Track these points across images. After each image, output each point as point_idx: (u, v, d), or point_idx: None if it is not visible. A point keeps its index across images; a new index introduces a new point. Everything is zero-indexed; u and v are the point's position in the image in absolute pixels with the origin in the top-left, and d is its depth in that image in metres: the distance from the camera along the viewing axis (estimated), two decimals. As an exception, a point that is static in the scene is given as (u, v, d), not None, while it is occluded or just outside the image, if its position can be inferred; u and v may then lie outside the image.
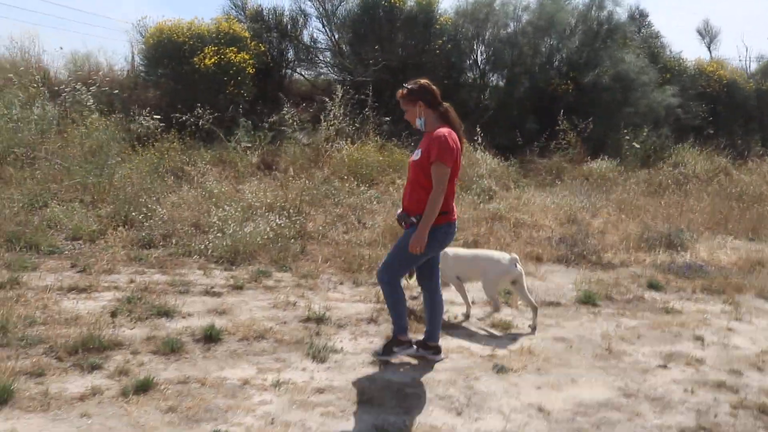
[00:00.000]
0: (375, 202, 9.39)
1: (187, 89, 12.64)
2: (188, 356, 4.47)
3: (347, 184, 9.75)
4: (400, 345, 4.57)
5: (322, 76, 15.89)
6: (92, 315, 4.99)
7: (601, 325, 5.60)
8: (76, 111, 11.61)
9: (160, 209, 7.87)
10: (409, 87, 4.42)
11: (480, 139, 12.17)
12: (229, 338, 4.79)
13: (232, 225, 7.45)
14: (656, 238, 8.36)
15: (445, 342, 4.91)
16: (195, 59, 12.68)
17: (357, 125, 12.26)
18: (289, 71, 15.95)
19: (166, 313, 5.16)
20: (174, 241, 7.19)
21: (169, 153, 10.59)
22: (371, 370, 4.47)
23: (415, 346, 4.64)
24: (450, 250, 5.35)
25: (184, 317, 5.17)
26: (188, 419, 3.67)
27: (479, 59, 16.82)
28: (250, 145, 11.41)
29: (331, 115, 12.21)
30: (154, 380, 4.01)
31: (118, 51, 31.65)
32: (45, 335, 4.53)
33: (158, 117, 10.79)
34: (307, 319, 5.28)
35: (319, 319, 5.27)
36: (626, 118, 15.03)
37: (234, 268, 6.58)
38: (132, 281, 5.93)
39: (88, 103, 11.18)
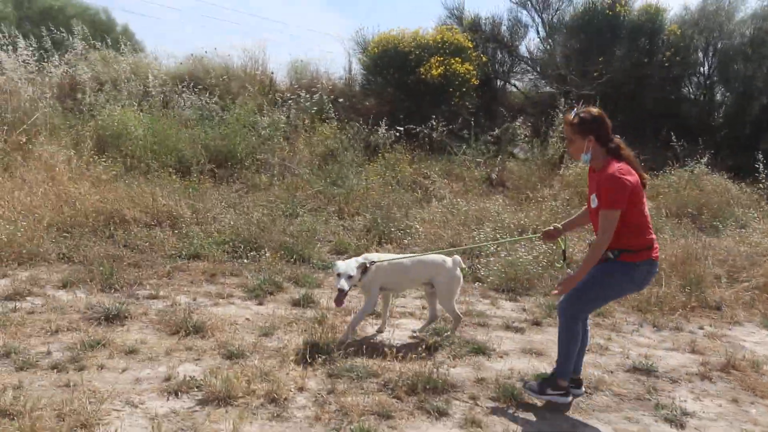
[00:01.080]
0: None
1: (411, 99, 12.68)
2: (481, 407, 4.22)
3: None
4: (557, 389, 4.14)
5: (538, 89, 15.37)
6: (407, 347, 4.89)
7: None
8: (298, 118, 12.04)
9: (417, 226, 7.82)
10: (582, 116, 3.97)
11: (708, 160, 11.14)
12: (563, 386, 4.49)
13: (498, 248, 7.25)
14: None
15: None
16: (421, 69, 12.68)
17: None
18: (503, 82, 15.62)
19: (482, 351, 4.96)
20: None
21: (400, 164, 10.63)
22: (741, 444, 3.98)
23: (570, 397, 4.18)
24: (372, 255, 5.06)
25: (500, 357, 4.95)
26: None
27: (706, 72, 15.53)
28: (481, 159, 11.19)
29: (556, 132, 11.74)
30: (519, 434, 3.79)
31: (336, 60, 32.88)
32: (369, 366, 4.47)
33: (400, 128, 10.83)
34: (634, 370, 4.87)
35: (648, 371, 4.83)
36: None
37: (518, 298, 6.32)
38: (424, 307, 5.83)
39: (327, 109, 11.54)
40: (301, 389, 4.12)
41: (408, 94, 12.83)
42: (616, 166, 3.86)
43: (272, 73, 13.80)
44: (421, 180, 10.31)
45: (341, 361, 4.53)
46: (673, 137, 11.65)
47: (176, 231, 7.16)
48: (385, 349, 4.70)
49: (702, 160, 10.96)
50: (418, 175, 10.47)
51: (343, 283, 4.65)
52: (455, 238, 7.66)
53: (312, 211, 8.67)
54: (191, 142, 9.78)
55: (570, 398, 4.23)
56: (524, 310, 5.98)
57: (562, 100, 12.50)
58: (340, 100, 12.76)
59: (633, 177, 3.85)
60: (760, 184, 11.76)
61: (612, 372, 4.83)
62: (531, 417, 4.08)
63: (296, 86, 13.17)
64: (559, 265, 4.59)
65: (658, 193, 11.08)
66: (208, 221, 7.50)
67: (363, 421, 3.79)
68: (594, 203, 3.96)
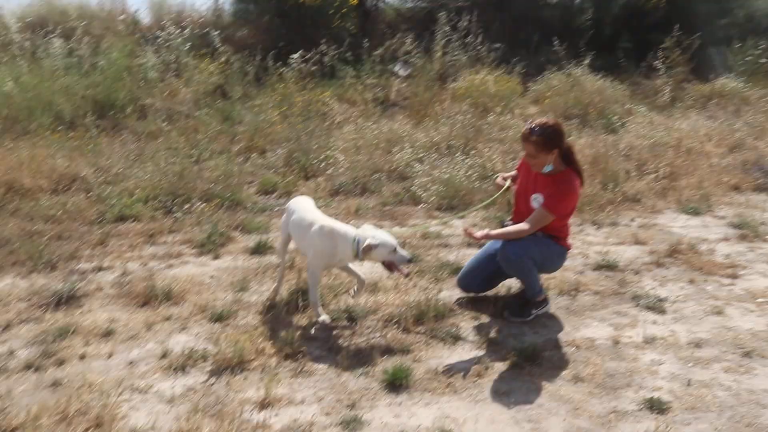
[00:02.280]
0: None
1: (290, 26, 12.10)
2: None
3: (494, 117, 9.45)
4: (538, 305, 4.38)
5: (416, 5, 15.18)
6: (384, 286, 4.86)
7: None
8: (173, 56, 11.18)
9: (338, 155, 7.64)
10: (544, 133, 4.00)
11: (588, 61, 11.75)
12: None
13: (424, 168, 7.31)
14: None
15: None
16: (300, -7, 12.07)
17: (469, 54, 11.82)
18: (375, 1, 15.27)
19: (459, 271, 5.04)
20: (372, 188, 7.02)
21: (294, 94, 10.22)
22: (714, 318, 4.39)
23: (549, 301, 4.50)
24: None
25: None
26: (602, 387, 3.60)
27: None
28: (373, 81, 11.01)
29: (438, 46, 11.78)
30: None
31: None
32: (365, 305, 4.47)
33: (294, 55, 10.31)
34: (600, 267, 5.18)
35: (611, 266, 5.17)
36: (722, 30, 14.50)
37: (464, 216, 6.42)
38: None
39: (213, 43, 10.77)
40: (308, 339, 3.99)
41: (287, 20, 12.22)
42: (577, 181, 4.17)
43: (136, 11, 12.56)
44: (320, 107, 10.01)
45: (334, 303, 4.43)
46: (556, 42, 12.04)
47: (89, 195, 6.48)
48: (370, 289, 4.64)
49: (585, 62, 11.46)
50: (314, 103, 10.13)
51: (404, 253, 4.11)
52: (379, 163, 7.58)
53: (219, 153, 8.17)
54: (66, 94, 8.75)
55: (549, 302, 4.49)
56: (474, 225, 6.10)
57: (442, 13, 12.42)
58: (216, 32, 11.90)
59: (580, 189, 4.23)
60: (627, 81, 12.65)
61: (582, 272, 5.11)
62: (536, 327, 4.25)
63: (162, 22, 12.10)
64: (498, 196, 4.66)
65: (543, 97, 11.57)
66: (118, 179, 6.85)
67: (387, 359, 3.76)
68: (536, 202, 4.19)
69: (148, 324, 4.19)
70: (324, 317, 4.19)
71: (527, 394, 3.51)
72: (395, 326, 4.17)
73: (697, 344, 4.04)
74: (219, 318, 4.25)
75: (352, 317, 4.27)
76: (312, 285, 4.25)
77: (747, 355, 3.93)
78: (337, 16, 12.23)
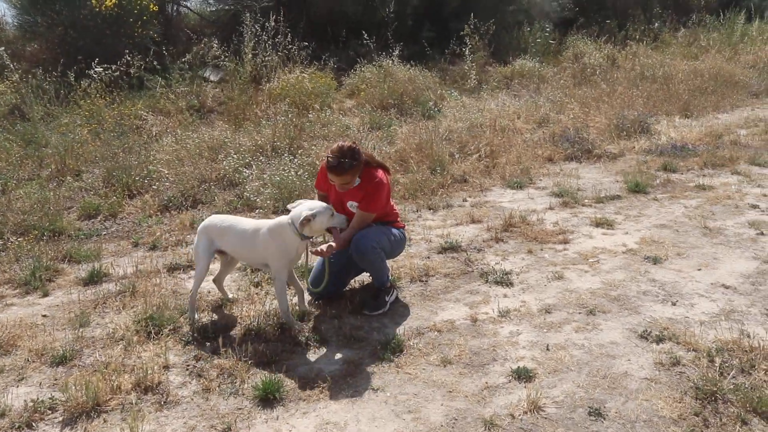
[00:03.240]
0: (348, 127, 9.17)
1: (88, 37, 11.05)
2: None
3: (314, 114, 9.37)
4: (390, 292, 4.39)
5: (219, 9, 14.57)
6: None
7: (672, 209, 6.17)
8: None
9: (162, 169, 7.11)
10: (355, 157, 4.01)
11: (398, 52, 12.09)
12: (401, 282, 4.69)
13: (253, 172, 7.04)
14: (628, 125, 9.10)
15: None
16: (92, 0, 11.03)
17: (280, 54, 11.62)
18: (176, 6, 14.44)
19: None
20: (203, 199, 6.62)
21: (100, 109, 9.37)
22: (556, 284, 4.63)
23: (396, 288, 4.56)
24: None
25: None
26: (470, 366, 3.64)
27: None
28: (185, 89, 10.41)
29: (248, 48, 11.46)
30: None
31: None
32: (225, 320, 4.14)
33: (100, 69, 9.41)
34: (444, 250, 5.27)
35: (454, 248, 5.28)
36: (511, 16, 15.64)
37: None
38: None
39: (2, 61, 9.49)
40: (166, 367, 3.60)
41: (83, 31, 11.13)
42: (380, 172, 4.21)
43: None
44: (134, 121, 9.26)
45: (187, 326, 4.07)
46: (366, 36, 12.20)
47: None
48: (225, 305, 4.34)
49: (395, 53, 11.72)
50: (126, 117, 9.36)
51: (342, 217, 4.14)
52: (206, 172, 7.16)
53: (28, 180, 7.25)
54: None
55: (396, 287, 4.54)
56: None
57: (248, 15, 12.06)
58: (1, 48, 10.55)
59: (388, 177, 4.29)
60: (435, 68, 13.18)
61: (428, 258, 5.16)
62: (395, 317, 4.19)
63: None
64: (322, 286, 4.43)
65: (358, 90, 11.70)
66: None
67: (255, 374, 3.51)
68: (354, 207, 4.22)
69: (-34, 384, 3.54)
70: (298, 324, 4.05)
71: (401, 385, 3.44)
72: (256, 339, 3.90)
73: (547, 310, 4.24)
74: (61, 361, 3.70)
75: (209, 336, 3.93)
76: (280, 292, 4.00)
77: (591, 312, 4.18)
78: (138, 23, 11.39)
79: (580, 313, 4.20)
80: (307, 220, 3.82)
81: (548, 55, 14.53)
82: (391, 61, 11.70)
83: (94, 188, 6.88)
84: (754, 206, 6.19)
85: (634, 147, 8.53)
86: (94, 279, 4.85)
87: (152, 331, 3.96)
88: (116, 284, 4.73)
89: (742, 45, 15.60)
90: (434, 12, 15.61)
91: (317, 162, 7.37)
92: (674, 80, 11.80)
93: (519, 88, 11.81)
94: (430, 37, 14.67)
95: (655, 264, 4.92)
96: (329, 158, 4.01)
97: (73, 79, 9.36)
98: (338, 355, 3.76)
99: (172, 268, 5.03)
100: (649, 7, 18.89)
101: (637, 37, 15.57)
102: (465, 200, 6.64)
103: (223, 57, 11.44)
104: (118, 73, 9.69)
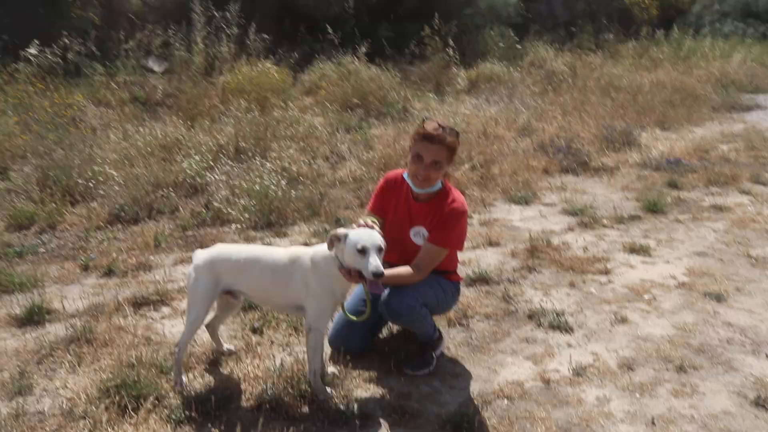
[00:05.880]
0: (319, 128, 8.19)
1: (17, 15, 9.52)
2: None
3: (280, 112, 8.34)
4: (437, 344, 3.46)
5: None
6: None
7: (702, 234, 5.56)
8: None
9: (110, 170, 5.91)
10: (452, 132, 3.18)
11: (363, 50, 11.18)
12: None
13: (220, 177, 5.97)
14: (616, 137, 8.54)
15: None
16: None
17: (235, 46, 10.47)
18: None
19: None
20: (162, 208, 5.49)
21: (32, 97, 7.96)
22: (622, 329, 3.85)
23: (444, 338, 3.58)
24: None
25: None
26: None
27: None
28: (129, 78, 9.11)
29: (199, 37, 10.26)
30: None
31: None
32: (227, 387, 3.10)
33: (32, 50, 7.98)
34: (474, 282, 4.39)
35: (485, 280, 4.43)
36: (468, 19, 15.05)
37: (286, 231, 5.23)
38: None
39: None
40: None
41: (11, 8, 9.59)
42: (460, 197, 3.29)
43: None
44: (71, 112, 7.90)
45: (176, 395, 3.00)
46: (329, 31, 11.22)
47: None
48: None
49: (360, 51, 10.81)
50: (62, 107, 7.98)
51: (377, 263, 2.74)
52: (161, 175, 6.00)
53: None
54: None
55: (444, 336, 3.55)
56: (306, 243, 4.96)
57: (197, 1, 10.82)
58: None
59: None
60: (397, 68, 12.33)
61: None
62: (446, 378, 3.28)
63: None
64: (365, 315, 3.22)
65: (317, 87, 10.73)
66: None
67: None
68: (420, 237, 3.25)
69: None
70: (327, 390, 3.04)
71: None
72: (274, 414, 2.89)
73: (629, 366, 3.44)
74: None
75: (208, 410, 2.88)
76: (315, 347, 2.98)
77: (681, 369, 3.41)
78: (76, 3, 9.94)
79: (667, 369, 3.42)
80: (337, 238, 2.81)
81: (515, 59, 13.96)
82: (355, 59, 10.75)
83: (26, 191, 5.59)
84: (784, 229, 5.67)
85: (627, 160, 7.94)
86: (33, 318, 3.68)
87: (127, 405, 2.87)
88: (65, 326, 3.58)
89: (695, 59, 15.58)
90: (391, 10, 14.83)
91: (293, 167, 6.36)
92: (642, 91, 11.43)
93: (488, 92, 11.09)
94: (389, 37, 13.83)
95: (719, 302, 4.22)
96: (436, 125, 3.10)
97: (-1, 62, 7.94)
98: (391, 439, 2.81)
99: (138, 303, 3.91)
100: (596, 18, 18.79)
101: (590, 47, 15.30)
102: (470, 216, 5.80)
103: (170, 46, 10.22)
104: (53, 57, 8.28)
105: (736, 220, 5.91)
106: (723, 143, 9.21)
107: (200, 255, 3.08)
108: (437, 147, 3.08)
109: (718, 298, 4.28)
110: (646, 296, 4.30)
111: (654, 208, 6.11)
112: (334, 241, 2.81)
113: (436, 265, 3.23)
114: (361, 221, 3.00)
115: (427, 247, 3.19)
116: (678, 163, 7.78)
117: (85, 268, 4.39)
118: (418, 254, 3.18)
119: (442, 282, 3.37)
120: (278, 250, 3.09)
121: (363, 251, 2.72)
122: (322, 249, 2.95)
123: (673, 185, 6.95)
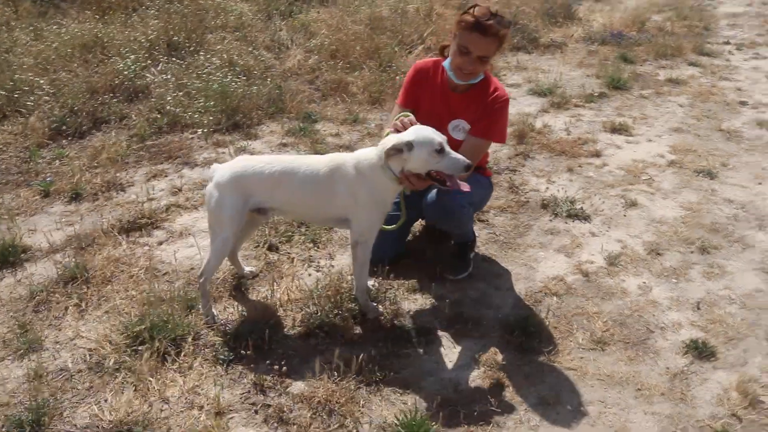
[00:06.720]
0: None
1: None
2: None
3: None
4: (472, 248, 3.33)
5: None
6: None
7: (671, 109, 5.62)
8: None
9: (35, 78, 5.08)
10: (503, 22, 2.81)
11: None
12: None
13: (167, 77, 5.33)
14: (556, 11, 8.36)
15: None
16: None
17: None
18: None
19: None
20: (106, 116, 4.84)
21: None
22: (636, 213, 3.85)
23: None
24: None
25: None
26: (632, 347, 2.79)
27: None
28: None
29: None
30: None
31: None
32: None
33: None
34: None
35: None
36: None
37: (256, 133, 4.79)
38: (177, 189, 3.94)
39: None
40: (219, 414, 2.32)
41: None
42: (502, 86, 2.99)
43: None
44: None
45: (215, 332, 2.71)
46: None
47: None
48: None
49: None
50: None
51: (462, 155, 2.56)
52: (94, 79, 5.26)
53: None
54: None
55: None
56: (283, 144, 4.57)
57: None
58: None
59: None
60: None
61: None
62: (489, 279, 3.16)
63: None
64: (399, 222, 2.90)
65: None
66: None
67: (367, 405, 2.36)
68: (459, 131, 2.98)
69: None
70: (375, 307, 2.86)
71: (576, 390, 2.50)
72: (329, 338, 2.68)
73: (656, 251, 3.46)
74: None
75: (258, 343, 2.61)
76: (362, 262, 2.75)
77: (704, 251, 3.47)
78: None
79: (692, 252, 3.46)
80: (396, 150, 2.51)
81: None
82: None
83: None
84: (743, 103, 5.82)
85: (572, 35, 7.82)
86: (8, 258, 3.17)
87: (170, 351, 2.56)
88: (51, 264, 3.12)
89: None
90: None
91: (240, 61, 5.77)
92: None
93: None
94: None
95: (712, 179, 4.31)
96: (474, 13, 2.73)
97: None
98: (461, 353, 2.68)
99: (125, 229, 3.46)
100: None
101: None
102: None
103: None
104: None
105: (695, 93, 6.01)
106: (655, 13, 9.25)
107: (223, 170, 2.68)
108: (489, 40, 2.76)
109: (710, 174, 4.36)
110: (643, 177, 4.31)
111: (617, 85, 6.09)
112: (393, 154, 2.50)
113: (480, 158, 3.01)
114: (398, 122, 2.70)
115: (471, 141, 2.94)
116: (621, 36, 7.74)
117: (46, 195, 3.80)
118: (460, 149, 2.91)
119: (481, 179, 3.16)
120: (313, 159, 2.74)
121: (441, 151, 2.46)
122: (365, 155, 2.64)
123: (625, 59, 6.93)
